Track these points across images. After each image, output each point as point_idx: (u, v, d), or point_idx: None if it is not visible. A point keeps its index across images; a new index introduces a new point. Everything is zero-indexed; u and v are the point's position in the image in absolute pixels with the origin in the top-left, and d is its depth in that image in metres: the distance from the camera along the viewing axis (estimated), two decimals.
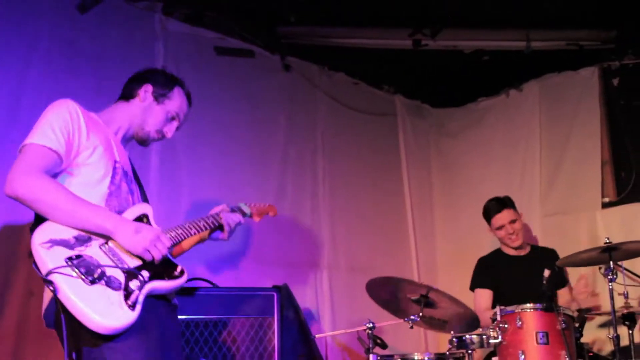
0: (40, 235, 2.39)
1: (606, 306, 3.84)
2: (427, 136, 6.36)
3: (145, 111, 2.87)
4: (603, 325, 4.77)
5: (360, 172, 5.75)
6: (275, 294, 4.13)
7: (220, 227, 3.08)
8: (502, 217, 4.75)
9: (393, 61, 5.59)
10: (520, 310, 3.69)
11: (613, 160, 5.26)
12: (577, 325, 3.86)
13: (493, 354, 3.93)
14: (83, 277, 2.31)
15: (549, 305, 3.68)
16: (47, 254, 2.34)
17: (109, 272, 2.38)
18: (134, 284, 2.40)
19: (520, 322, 3.63)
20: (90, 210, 2.48)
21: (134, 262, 2.50)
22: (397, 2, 4.81)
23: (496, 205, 4.79)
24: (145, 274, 2.47)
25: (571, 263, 4.20)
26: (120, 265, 2.45)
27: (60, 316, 2.30)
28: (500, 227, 4.77)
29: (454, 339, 3.70)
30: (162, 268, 2.57)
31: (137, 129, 2.88)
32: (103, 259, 2.43)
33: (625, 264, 4.15)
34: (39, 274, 2.31)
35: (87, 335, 2.30)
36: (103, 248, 2.48)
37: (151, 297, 2.49)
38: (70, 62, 4.10)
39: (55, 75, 4.00)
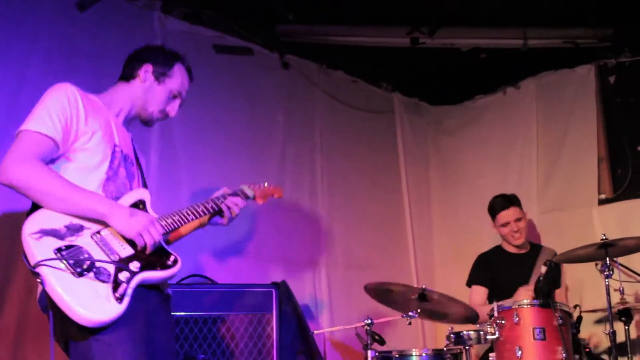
0: (31, 225, 2.38)
1: (603, 302, 3.86)
2: (425, 134, 6.38)
3: (147, 92, 2.84)
4: (599, 321, 4.80)
5: (358, 169, 5.77)
6: (273, 291, 4.15)
7: (220, 212, 3.00)
8: (509, 214, 4.77)
9: (391, 59, 5.60)
10: (517, 307, 3.71)
11: (609, 157, 5.28)
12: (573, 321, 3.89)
13: (490, 350, 3.94)
14: (71, 268, 2.29)
15: (546, 301, 3.69)
16: (36, 244, 2.32)
17: (99, 263, 2.36)
18: (123, 276, 2.37)
19: (517, 318, 3.65)
20: (84, 195, 2.47)
21: (125, 252, 2.47)
22: (395, 0, 4.83)
23: (503, 202, 4.81)
24: (136, 264, 2.44)
25: (568, 259, 4.22)
26: (110, 256, 2.42)
27: (49, 308, 2.30)
28: (505, 224, 4.78)
29: (452, 335, 3.72)
30: (155, 257, 2.53)
31: (139, 110, 2.86)
32: (93, 250, 2.41)
33: (622, 260, 4.16)
34: (27, 265, 2.30)
35: (74, 328, 2.29)
36: (94, 238, 2.45)
37: (142, 287, 2.46)
38: (69, 61, 4.11)
39: (54, 74, 3.98)
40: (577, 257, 4.00)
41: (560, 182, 5.45)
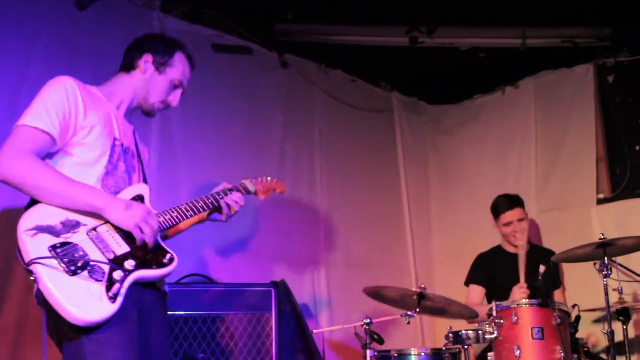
0: (26, 221, 2.37)
1: (601, 302, 3.87)
2: (424, 133, 6.39)
3: (147, 83, 2.81)
4: (598, 321, 4.81)
5: (357, 168, 5.78)
6: (272, 290, 4.16)
7: (219, 209, 2.97)
8: (512, 214, 4.77)
9: (390, 58, 5.61)
10: (515, 306, 3.71)
11: (608, 157, 5.29)
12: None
13: (489, 349, 3.95)
14: (65, 266, 2.28)
15: (544, 300, 3.70)
16: (30, 241, 2.31)
17: (93, 261, 2.35)
18: (117, 274, 2.35)
19: (515, 318, 3.65)
20: (79, 189, 2.44)
21: (121, 250, 2.45)
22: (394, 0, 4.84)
23: (507, 202, 4.82)
24: (130, 262, 2.42)
25: (566, 259, 4.23)
26: (105, 254, 2.40)
27: (42, 306, 2.30)
28: (507, 224, 4.79)
29: (450, 335, 3.72)
30: (151, 255, 2.51)
31: (140, 101, 2.83)
32: (89, 247, 2.39)
33: (620, 259, 4.18)
34: (21, 263, 2.29)
35: (66, 326, 2.27)
36: (90, 234, 2.44)
37: (138, 285, 2.45)
38: (69, 60, 4.11)
39: (54, 73, 3.90)
40: (576, 256, 4.01)
41: (558, 182, 5.46)
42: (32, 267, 2.26)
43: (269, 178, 3.32)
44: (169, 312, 3.82)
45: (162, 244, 2.59)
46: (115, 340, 2.33)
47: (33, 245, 2.30)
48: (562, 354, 3.56)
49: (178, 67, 2.85)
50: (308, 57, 5.54)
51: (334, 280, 5.33)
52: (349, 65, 5.78)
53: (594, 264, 3.92)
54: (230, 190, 3.01)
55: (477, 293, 4.82)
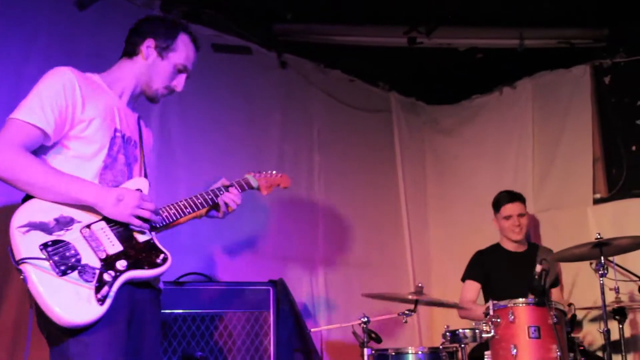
0: (20, 218, 2.33)
1: (597, 301, 3.89)
2: (422, 133, 6.40)
3: (150, 69, 2.73)
4: (594, 320, 4.84)
5: (355, 168, 5.79)
6: (271, 289, 4.17)
7: (216, 207, 2.90)
8: (513, 207, 4.84)
9: (388, 59, 5.63)
10: (512, 305, 3.72)
11: (604, 157, 5.31)
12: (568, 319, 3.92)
13: (482, 346, 3.97)
14: (55, 266, 2.25)
15: (541, 300, 3.72)
16: (22, 239, 2.28)
17: (85, 260, 2.32)
18: (108, 275, 2.32)
19: (512, 317, 3.66)
20: (69, 185, 2.40)
21: (113, 249, 2.41)
22: (392, 0, 4.85)
23: (509, 196, 4.91)
24: (122, 263, 2.38)
25: (563, 258, 4.25)
26: (98, 253, 2.37)
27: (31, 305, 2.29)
28: (507, 217, 4.84)
29: (447, 334, 3.74)
30: (145, 254, 2.47)
31: (144, 87, 2.75)
32: (81, 246, 2.36)
33: (616, 259, 4.21)
34: (11, 260, 2.27)
35: (53, 327, 2.25)
36: (84, 232, 2.40)
37: (130, 285, 2.42)
38: (69, 60, 4.04)
39: None
40: (572, 256, 4.02)
41: (555, 182, 5.48)
42: (21, 267, 2.24)
43: (274, 172, 3.24)
44: (168, 311, 3.88)
45: (157, 243, 2.54)
46: (101, 341, 2.30)
47: (24, 244, 2.28)
48: (558, 353, 3.57)
49: (182, 51, 2.76)
50: (307, 57, 5.55)
51: (332, 278, 5.34)
52: (347, 66, 5.79)
53: (590, 263, 3.94)
54: (228, 187, 2.94)
55: (472, 289, 4.86)
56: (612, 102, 5.33)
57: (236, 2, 4.82)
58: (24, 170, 2.36)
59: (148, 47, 2.73)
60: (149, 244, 2.51)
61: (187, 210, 2.71)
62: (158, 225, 2.59)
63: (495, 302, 3.79)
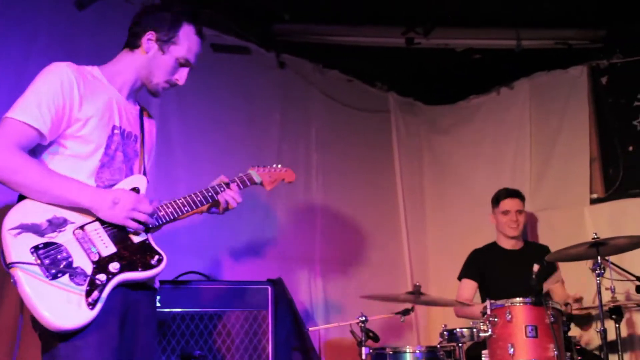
0: (11, 219, 2.30)
1: (594, 300, 3.91)
2: (420, 133, 6.40)
3: (151, 62, 2.64)
4: (591, 319, 4.85)
5: (353, 167, 5.80)
6: (269, 288, 4.17)
7: (216, 204, 2.85)
8: (512, 203, 4.88)
9: (386, 59, 5.64)
10: (509, 304, 3.74)
11: (601, 157, 5.33)
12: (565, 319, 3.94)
13: (483, 347, 3.99)
14: (46, 269, 2.23)
15: (538, 299, 3.73)
16: (13, 242, 2.25)
17: (76, 263, 2.29)
18: (99, 279, 2.29)
19: (509, 316, 3.68)
20: (64, 188, 2.36)
21: (107, 251, 2.37)
22: (391, 1, 4.86)
23: (508, 192, 4.96)
24: (115, 265, 2.35)
25: (560, 258, 4.26)
26: (90, 255, 2.34)
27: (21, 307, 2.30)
28: (505, 212, 4.87)
29: (445, 333, 3.75)
30: (139, 255, 2.43)
31: (144, 80, 2.68)
32: (73, 248, 2.33)
33: (613, 259, 4.20)
34: (2, 263, 2.24)
35: (44, 330, 2.24)
36: (77, 234, 2.36)
37: (124, 286, 2.39)
38: (69, 59, 4.08)
39: None
40: (569, 255, 4.03)
41: (552, 181, 5.49)
42: (11, 271, 2.21)
43: (279, 166, 3.19)
44: (166, 310, 3.89)
45: (152, 243, 2.51)
46: (92, 344, 2.28)
47: (15, 247, 2.25)
48: (555, 352, 3.59)
49: (184, 44, 2.66)
50: (305, 57, 5.56)
51: (330, 277, 5.35)
52: (345, 66, 5.80)
53: (587, 263, 3.95)
54: (229, 183, 2.89)
55: (467, 287, 4.89)
56: (609, 102, 5.35)
57: (235, 2, 4.82)
58: (19, 172, 2.33)
59: (149, 39, 2.64)
60: (144, 244, 2.47)
61: (186, 208, 2.67)
62: (157, 224, 2.57)
63: (492, 301, 3.81)
